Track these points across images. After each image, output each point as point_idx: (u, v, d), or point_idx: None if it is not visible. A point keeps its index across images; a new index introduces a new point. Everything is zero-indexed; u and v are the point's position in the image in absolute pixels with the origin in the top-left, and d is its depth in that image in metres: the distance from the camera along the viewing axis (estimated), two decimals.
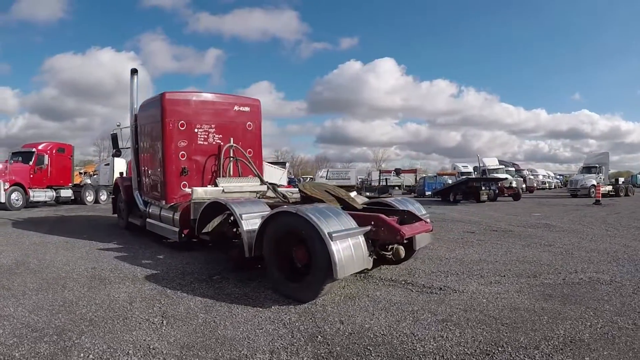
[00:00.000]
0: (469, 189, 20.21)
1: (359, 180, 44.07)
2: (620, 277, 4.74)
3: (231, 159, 7.36)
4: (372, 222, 4.03)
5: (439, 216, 12.32)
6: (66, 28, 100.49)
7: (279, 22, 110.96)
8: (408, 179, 40.33)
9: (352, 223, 3.84)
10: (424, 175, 39.99)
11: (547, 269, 5.22)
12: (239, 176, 7.30)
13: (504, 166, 30.76)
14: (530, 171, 41.74)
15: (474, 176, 26.67)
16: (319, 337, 3.02)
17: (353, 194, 6.17)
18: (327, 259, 3.46)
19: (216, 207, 5.34)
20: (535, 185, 35.14)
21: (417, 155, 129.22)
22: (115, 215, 9.97)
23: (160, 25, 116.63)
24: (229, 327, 3.21)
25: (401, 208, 5.04)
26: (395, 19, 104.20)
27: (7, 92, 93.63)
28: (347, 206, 5.04)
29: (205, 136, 7.20)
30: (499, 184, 21.72)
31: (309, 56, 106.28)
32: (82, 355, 2.72)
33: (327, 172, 48.05)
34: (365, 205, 5.43)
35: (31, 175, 15.02)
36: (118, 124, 9.09)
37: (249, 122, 7.68)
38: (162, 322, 3.31)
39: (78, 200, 17.33)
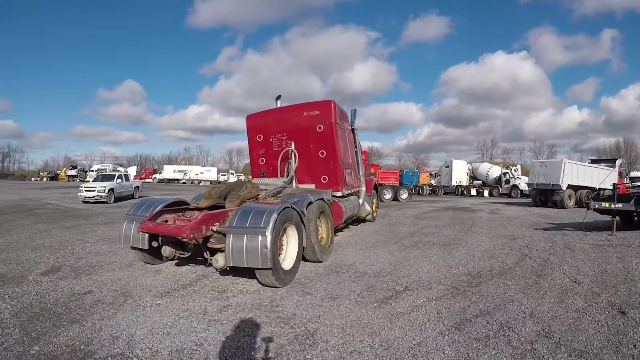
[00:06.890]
0: None
1: None
2: None
3: (289, 161, 8.38)
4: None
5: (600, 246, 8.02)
6: (455, 41, 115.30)
7: None
8: None
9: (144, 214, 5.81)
10: None
11: None
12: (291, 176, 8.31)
13: None
14: None
15: None
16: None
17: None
18: None
19: None
20: None
21: None
22: None
23: (546, 18, 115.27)
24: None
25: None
26: None
27: (412, 107, 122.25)
28: (222, 207, 6.23)
29: (279, 143, 8.56)
30: None
31: None
32: (33, 255, 6.61)
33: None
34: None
35: None
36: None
37: (319, 125, 8.17)
38: (73, 251, 6.95)
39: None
